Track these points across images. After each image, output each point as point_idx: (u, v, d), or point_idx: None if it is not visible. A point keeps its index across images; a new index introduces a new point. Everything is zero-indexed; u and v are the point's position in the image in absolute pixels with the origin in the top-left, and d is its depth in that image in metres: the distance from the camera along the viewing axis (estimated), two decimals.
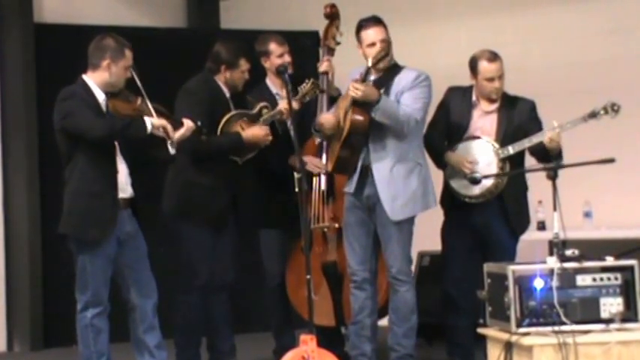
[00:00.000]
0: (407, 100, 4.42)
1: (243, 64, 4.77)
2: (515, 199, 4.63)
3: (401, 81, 4.45)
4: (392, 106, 4.37)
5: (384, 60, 4.40)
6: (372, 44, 4.44)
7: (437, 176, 4.71)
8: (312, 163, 4.86)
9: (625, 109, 4.49)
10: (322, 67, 4.92)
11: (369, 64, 4.31)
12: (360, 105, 4.37)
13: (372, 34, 4.45)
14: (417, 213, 4.48)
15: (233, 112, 4.76)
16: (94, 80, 4.24)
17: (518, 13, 6.26)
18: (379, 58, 4.34)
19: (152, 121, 4.18)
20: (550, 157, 4.44)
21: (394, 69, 4.50)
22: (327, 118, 4.54)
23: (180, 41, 6.52)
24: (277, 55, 4.93)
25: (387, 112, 4.35)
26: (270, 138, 4.73)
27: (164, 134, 4.21)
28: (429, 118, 4.75)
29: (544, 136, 4.42)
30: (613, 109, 4.38)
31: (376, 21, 4.49)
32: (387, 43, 4.42)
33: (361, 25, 4.50)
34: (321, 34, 4.98)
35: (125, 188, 4.26)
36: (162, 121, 4.20)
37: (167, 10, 7.01)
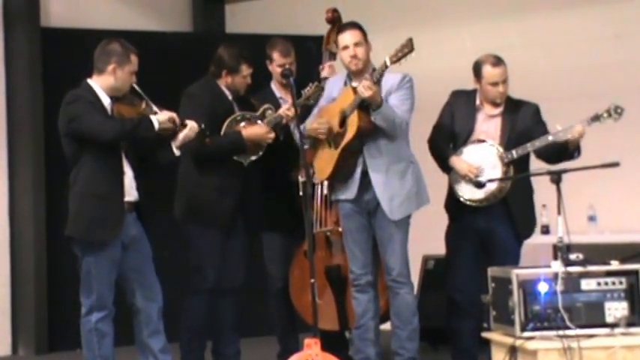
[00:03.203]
0: (395, 102, 4.43)
1: (245, 70, 4.78)
2: (521, 203, 4.62)
3: (387, 84, 4.44)
4: (391, 110, 4.39)
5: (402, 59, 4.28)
6: (345, 47, 4.46)
7: (440, 179, 4.71)
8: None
9: (630, 113, 4.49)
10: (324, 72, 4.94)
11: (388, 62, 4.26)
12: (365, 108, 4.37)
13: (345, 37, 4.48)
14: (412, 211, 4.51)
15: (236, 114, 4.78)
16: (100, 84, 4.25)
17: (523, 17, 6.26)
18: (399, 57, 4.23)
19: (158, 118, 4.19)
20: (570, 153, 4.42)
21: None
22: (320, 122, 4.49)
23: (186, 45, 6.53)
24: (278, 65, 4.96)
25: (386, 116, 4.36)
26: (272, 136, 4.74)
27: (173, 125, 4.21)
28: (432, 121, 4.75)
29: (571, 133, 4.37)
30: (616, 112, 4.38)
31: (353, 25, 4.51)
32: (365, 47, 4.43)
33: (338, 30, 4.55)
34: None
35: (130, 191, 4.26)
36: (168, 113, 4.20)
37: (173, 14, 7.03)
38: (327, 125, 4.50)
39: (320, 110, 4.63)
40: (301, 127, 4.50)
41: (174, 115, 4.23)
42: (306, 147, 4.59)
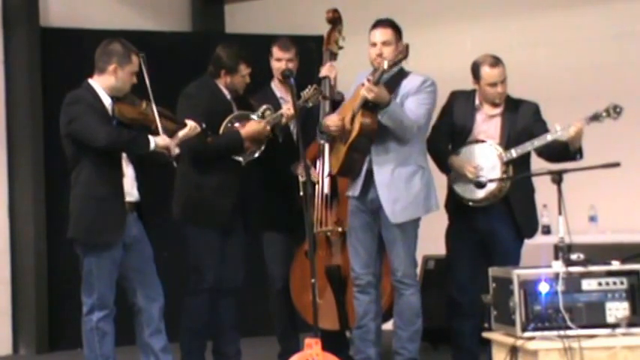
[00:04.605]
0: (411, 105, 4.42)
1: (244, 69, 4.78)
2: (522, 202, 4.63)
3: (407, 85, 4.45)
4: (399, 111, 4.38)
5: (399, 64, 4.36)
6: (373, 44, 4.45)
7: (441, 180, 4.71)
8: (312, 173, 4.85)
9: (631, 113, 4.49)
10: (324, 71, 4.94)
11: (385, 66, 4.28)
12: (370, 107, 4.37)
13: (375, 34, 4.46)
14: (418, 216, 4.48)
15: (235, 114, 4.77)
16: (100, 84, 4.26)
17: (523, 17, 6.27)
18: (395, 62, 4.29)
19: (157, 140, 4.19)
20: (570, 154, 4.42)
21: (400, 74, 4.50)
22: (332, 119, 4.54)
23: (185, 45, 6.53)
24: (275, 59, 4.96)
25: (393, 117, 4.35)
26: (269, 128, 4.73)
27: (168, 153, 4.23)
28: (432, 122, 4.75)
29: (568, 131, 4.36)
30: (615, 111, 4.38)
31: (385, 23, 4.48)
32: (393, 46, 4.40)
33: (372, 25, 4.52)
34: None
35: (131, 192, 4.27)
36: (166, 141, 4.21)
37: (172, 14, 7.03)
38: (340, 123, 4.47)
39: (342, 105, 4.63)
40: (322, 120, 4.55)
41: (170, 145, 4.22)
42: (322, 141, 4.61)
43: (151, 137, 4.18)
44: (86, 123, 4.13)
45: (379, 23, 4.49)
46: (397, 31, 4.49)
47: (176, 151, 4.28)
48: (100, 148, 4.13)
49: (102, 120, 4.16)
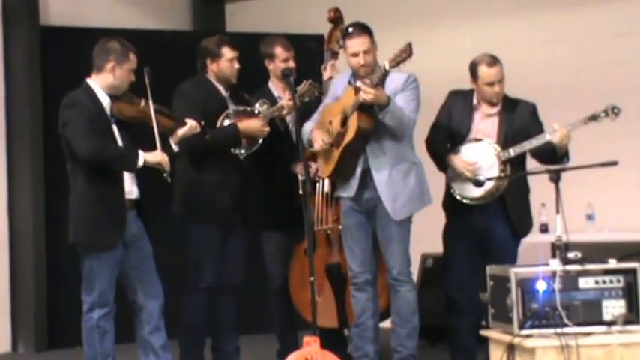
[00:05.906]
0: (400, 102, 4.43)
1: (227, 53, 4.73)
2: (517, 201, 4.64)
3: (391, 84, 4.44)
4: (399, 109, 4.40)
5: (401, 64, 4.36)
6: (355, 55, 4.45)
7: (438, 178, 4.73)
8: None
9: (629, 112, 4.50)
10: (329, 72, 4.94)
11: (387, 67, 4.28)
12: (366, 109, 4.38)
13: (355, 44, 4.44)
14: (416, 212, 4.52)
15: (231, 109, 4.78)
16: (99, 83, 4.26)
17: (522, 16, 6.28)
18: (398, 62, 4.27)
19: (147, 158, 4.15)
20: (557, 158, 4.45)
21: (383, 73, 4.48)
22: (318, 141, 4.50)
23: (186, 44, 6.50)
24: (282, 60, 4.94)
25: (395, 115, 4.37)
26: (267, 130, 4.72)
27: (160, 168, 4.20)
28: (430, 121, 4.77)
29: (553, 136, 4.40)
30: (613, 111, 4.40)
31: (361, 30, 4.46)
32: (370, 53, 4.41)
33: (346, 34, 4.50)
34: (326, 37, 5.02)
35: (131, 190, 4.28)
36: (158, 158, 4.18)
37: (172, 13, 7.04)
38: (326, 136, 4.48)
39: (324, 108, 4.64)
40: (304, 130, 4.54)
41: (162, 161, 4.18)
42: (312, 149, 4.62)
43: (140, 154, 4.14)
44: (74, 131, 4.11)
45: (355, 32, 4.45)
46: (372, 35, 4.48)
47: (168, 170, 4.22)
48: (81, 159, 4.12)
49: (90, 131, 4.11)
